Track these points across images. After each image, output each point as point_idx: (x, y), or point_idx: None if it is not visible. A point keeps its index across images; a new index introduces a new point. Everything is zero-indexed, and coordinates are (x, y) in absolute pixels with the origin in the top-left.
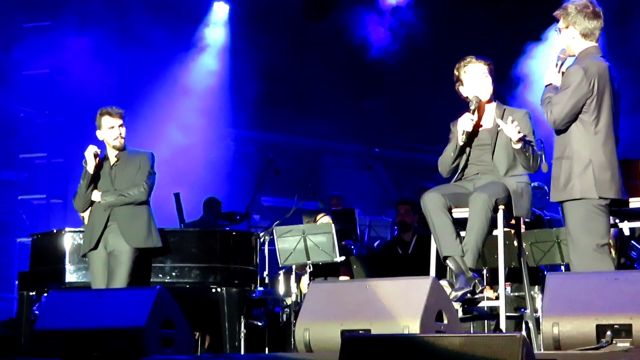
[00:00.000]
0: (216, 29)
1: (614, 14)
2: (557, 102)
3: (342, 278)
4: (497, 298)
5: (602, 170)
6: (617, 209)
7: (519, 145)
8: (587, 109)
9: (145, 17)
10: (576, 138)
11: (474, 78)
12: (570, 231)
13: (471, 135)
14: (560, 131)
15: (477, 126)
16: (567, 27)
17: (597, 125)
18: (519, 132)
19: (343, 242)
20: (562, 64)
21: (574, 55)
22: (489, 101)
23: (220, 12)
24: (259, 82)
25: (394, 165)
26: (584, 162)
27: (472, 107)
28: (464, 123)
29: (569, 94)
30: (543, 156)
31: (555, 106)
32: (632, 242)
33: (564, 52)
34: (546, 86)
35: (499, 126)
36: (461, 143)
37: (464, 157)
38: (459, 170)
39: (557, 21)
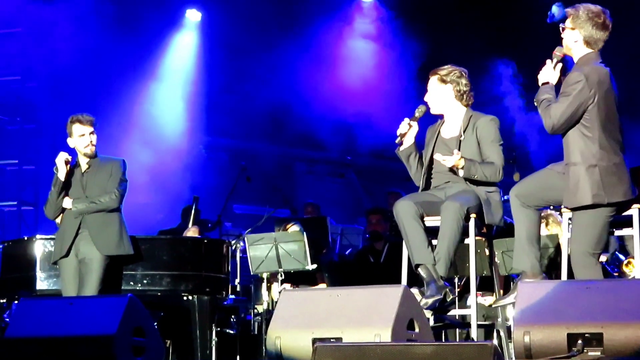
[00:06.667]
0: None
1: None
2: (557, 107)
3: (320, 286)
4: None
5: (608, 174)
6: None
7: (462, 173)
8: (589, 115)
9: (115, 27)
10: (579, 144)
11: (428, 90)
12: (573, 238)
13: (440, 144)
14: (564, 137)
15: (446, 134)
16: (573, 29)
17: (599, 131)
18: (457, 163)
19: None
20: (557, 62)
21: (569, 56)
22: (458, 109)
23: (192, 20)
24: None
25: (366, 173)
26: (590, 168)
27: (415, 114)
28: (401, 126)
29: (570, 100)
30: (514, 165)
31: (554, 112)
32: None
33: (560, 50)
34: (542, 84)
35: (461, 136)
36: (402, 148)
37: (426, 164)
38: (424, 177)
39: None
